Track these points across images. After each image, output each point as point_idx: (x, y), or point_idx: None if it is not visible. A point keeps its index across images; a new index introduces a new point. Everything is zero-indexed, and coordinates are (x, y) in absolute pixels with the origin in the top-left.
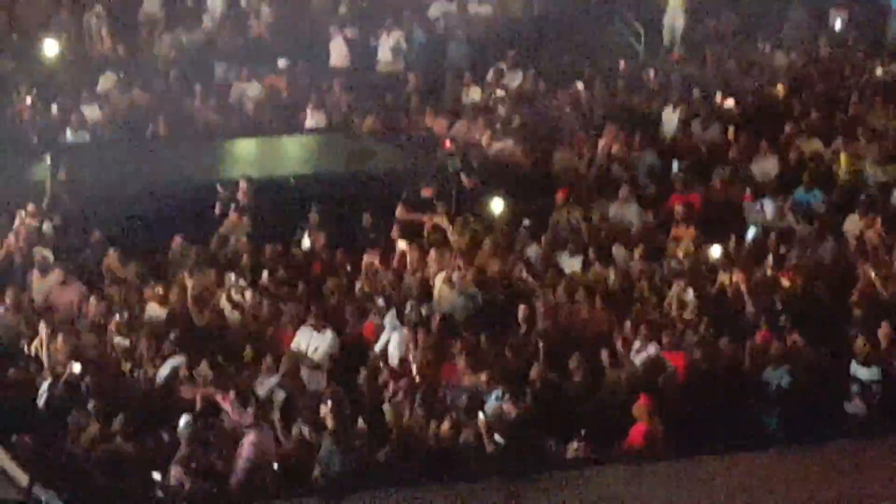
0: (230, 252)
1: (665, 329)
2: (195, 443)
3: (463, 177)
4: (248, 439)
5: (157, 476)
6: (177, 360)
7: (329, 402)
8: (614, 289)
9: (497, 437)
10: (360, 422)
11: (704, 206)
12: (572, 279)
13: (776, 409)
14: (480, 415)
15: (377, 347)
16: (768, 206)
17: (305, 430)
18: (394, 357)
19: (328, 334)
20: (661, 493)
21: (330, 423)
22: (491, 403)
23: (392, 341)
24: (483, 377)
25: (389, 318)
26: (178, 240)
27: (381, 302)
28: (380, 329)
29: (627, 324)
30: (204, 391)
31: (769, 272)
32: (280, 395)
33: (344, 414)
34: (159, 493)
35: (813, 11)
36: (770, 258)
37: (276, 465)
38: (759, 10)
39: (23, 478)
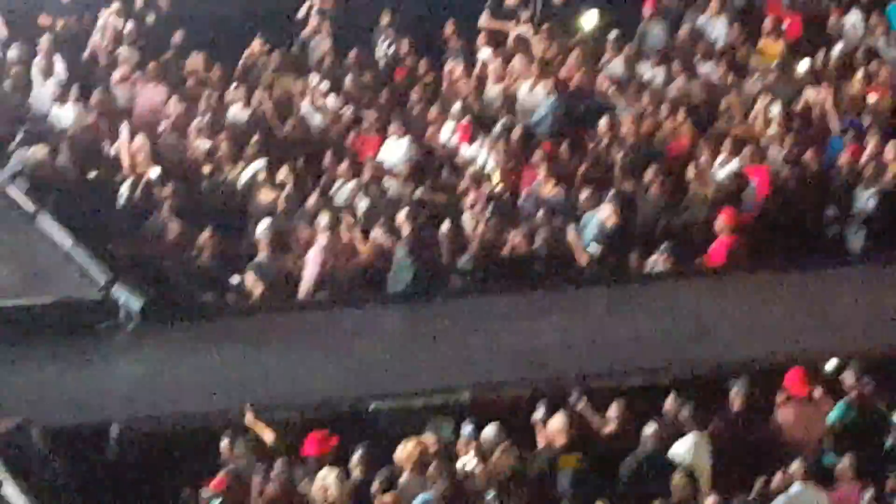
0: (313, 56)
1: (749, 144)
2: (273, 248)
3: None
4: (319, 244)
5: (234, 280)
6: (258, 164)
7: (406, 209)
8: (698, 102)
9: (592, 246)
10: (443, 229)
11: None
12: (656, 91)
13: (860, 228)
14: (571, 226)
15: (461, 155)
16: (859, 21)
17: (384, 238)
18: (476, 165)
19: (408, 142)
20: (741, 307)
21: (406, 229)
22: (588, 215)
23: (474, 150)
24: (584, 193)
25: (470, 128)
26: (258, 43)
27: (458, 108)
28: (462, 138)
29: (711, 138)
30: None
31: (857, 88)
32: (362, 203)
33: (421, 221)
34: (233, 297)
35: None
36: (859, 74)
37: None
38: None
39: (102, 277)
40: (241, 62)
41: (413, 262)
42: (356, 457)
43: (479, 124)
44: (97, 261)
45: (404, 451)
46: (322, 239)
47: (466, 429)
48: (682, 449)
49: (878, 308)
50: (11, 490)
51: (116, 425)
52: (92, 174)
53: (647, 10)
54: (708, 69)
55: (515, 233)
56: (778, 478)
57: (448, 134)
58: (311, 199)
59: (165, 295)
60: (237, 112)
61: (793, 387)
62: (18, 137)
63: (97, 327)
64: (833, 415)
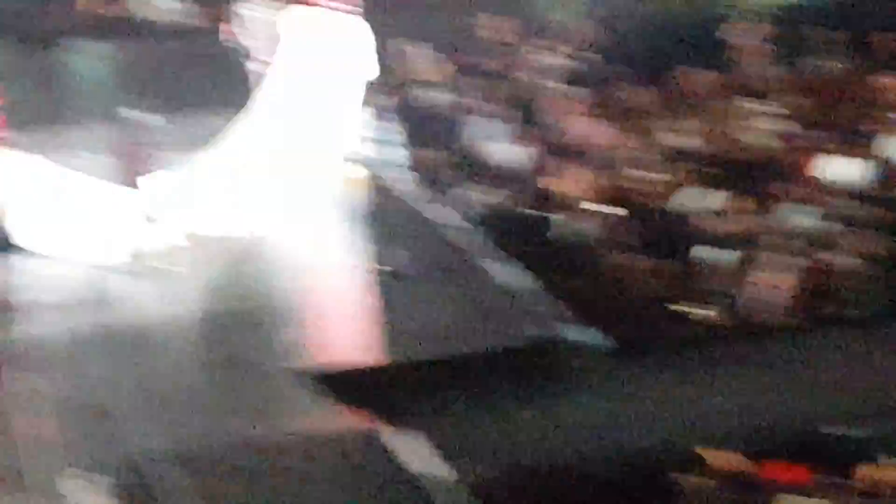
0: (748, 78)
1: None
2: (727, 276)
3: None
4: (778, 269)
5: (689, 310)
6: (702, 192)
7: (867, 230)
8: None
9: None
10: None
11: None
12: None
13: None
14: None
15: None
16: None
17: (839, 259)
18: None
19: (858, 160)
20: None
21: (870, 249)
22: None
23: None
24: None
25: None
26: (691, 70)
27: None
28: None
29: None
30: None
31: None
32: (816, 224)
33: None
34: (690, 328)
35: None
36: None
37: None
38: None
39: (559, 316)
40: (675, 89)
41: (880, 281)
42: (824, 483)
43: None
44: (552, 299)
45: (883, 475)
46: (780, 263)
47: None
48: None
49: None
50: None
51: None
52: (539, 212)
53: None
54: None
55: None
56: None
57: None
58: (763, 223)
59: (622, 329)
60: (677, 140)
61: None
62: (458, 179)
63: (559, 366)
64: None
